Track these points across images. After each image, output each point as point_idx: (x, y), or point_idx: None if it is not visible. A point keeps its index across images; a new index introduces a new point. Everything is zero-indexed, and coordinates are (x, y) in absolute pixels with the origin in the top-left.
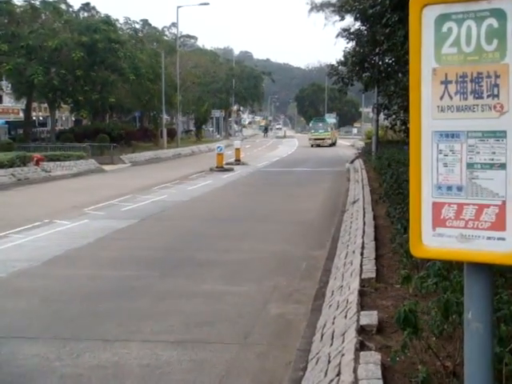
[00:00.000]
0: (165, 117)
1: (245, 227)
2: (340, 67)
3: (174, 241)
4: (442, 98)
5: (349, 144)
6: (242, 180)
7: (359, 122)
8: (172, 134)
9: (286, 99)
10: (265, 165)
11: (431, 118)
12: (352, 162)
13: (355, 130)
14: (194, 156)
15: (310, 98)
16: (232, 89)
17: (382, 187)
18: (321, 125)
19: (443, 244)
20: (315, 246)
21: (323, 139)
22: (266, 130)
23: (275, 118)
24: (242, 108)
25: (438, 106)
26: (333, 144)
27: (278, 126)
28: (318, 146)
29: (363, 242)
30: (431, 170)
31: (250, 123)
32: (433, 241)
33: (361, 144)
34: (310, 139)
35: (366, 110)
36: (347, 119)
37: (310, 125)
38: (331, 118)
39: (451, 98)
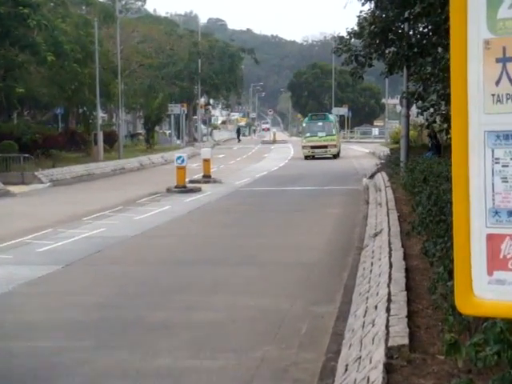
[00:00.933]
0: (100, 115)
1: (218, 274)
2: (353, 40)
3: (114, 295)
4: (498, 82)
5: (367, 151)
6: (213, 205)
7: (381, 119)
8: (112, 140)
9: (276, 88)
10: (246, 182)
11: (483, 112)
12: (372, 176)
13: (376, 131)
14: (143, 171)
15: (310, 86)
16: (197, 73)
17: (415, 212)
18: (321, 124)
19: (504, 295)
20: (320, 299)
21: (325, 147)
22: (238, 132)
23: (260, 114)
24: (212, 101)
25: (493, 95)
26: (337, 155)
27: (264, 126)
28: (316, 157)
29: (389, 293)
30: (484, 188)
31: (224, 123)
32: (489, 290)
33: (384, 151)
34: (303, 147)
35: (392, 102)
36: (364, 115)
37: (304, 124)
38: (334, 115)
39: None
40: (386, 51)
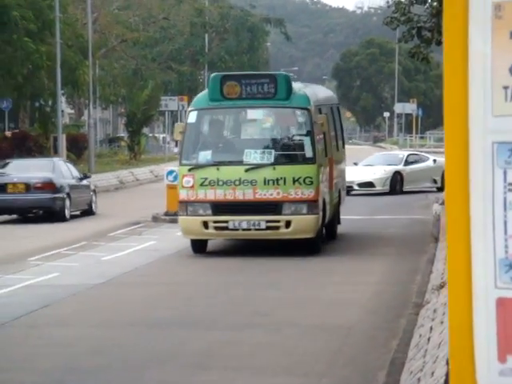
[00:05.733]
0: (66, 110)
1: (212, 340)
2: (415, 4)
3: (59, 371)
4: None
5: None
6: (215, 239)
7: None
8: (80, 147)
9: (317, 75)
10: None
11: (490, 113)
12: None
13: None
14: (123, 191)
15: (365, 73)
16: (203, 54)
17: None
18: (260, 118)
19: None
20: (355, 380)
21: (264, 210)
22: None
23: None
24: None
25: (506, 88)
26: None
27: None
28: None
29: (448, 374)
30: (492, 230)
31: None
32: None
33: None
34: (180, 204)
35: None
36: (441, 114)
37: (190, 117)
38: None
39: None
40: None
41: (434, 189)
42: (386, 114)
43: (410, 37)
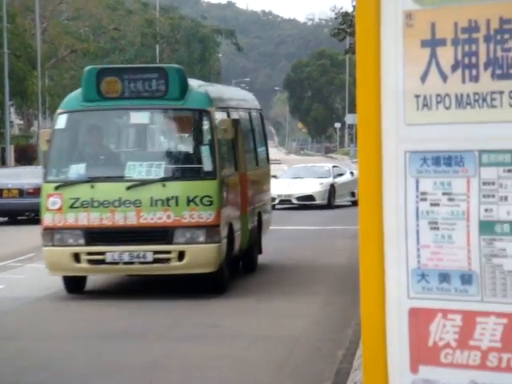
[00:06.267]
0: (15, 121)
1: (157, 351)
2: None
3: None
4: (424, 77)
5: None
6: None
7: None
8: (29, 158)
9: (269, 86)
10: None
11: (403, 122)
12: None
13: None
14: None
15: (316, 83)
16: (154, 64)
17: None
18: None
19: None
20: None
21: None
22: None
23: None
24: None
25: (418, 97)
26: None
27: None
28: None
29: None
30: (405, 239)
31: None
32: None
33: None
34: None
35: None
36: None
37: (58, 123)
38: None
39: (445, 77)
40: None
41: (350, 203)
42: (337, 125)
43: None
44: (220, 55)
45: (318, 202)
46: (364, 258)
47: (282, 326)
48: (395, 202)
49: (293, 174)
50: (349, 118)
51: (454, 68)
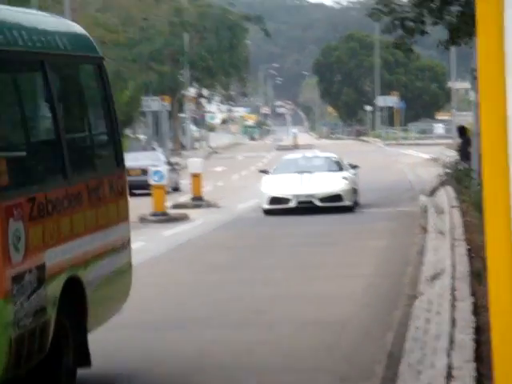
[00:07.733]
0: None
1: (205, 340)
2: None
3: None
4: None
5: (426, 157)
6: (205, 239)
7: (448, 110)
8: None
9: (297, 71)
10: (252, 206)
11: None
12: (433, 193)
13: (440, 128)
14: None
15: (345, 67)
16: (184, 53)
17: None
18: None
19: None
20: (352, 374)
21: None
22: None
23: (274, 109)
24: (206, 92)
25: None
26: None
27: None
28: None
29: (450, 366)
30: None
31: (224, 122)
32: None
33: (451, 156)
34: None
35: (462, 86)
36: (423, 106)
37: None
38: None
39: None
40: (445, 11)
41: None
42: (368, 108)
43: (393, 28)
44: (248, 42)
45: (346, 203)
46: (490, 235)
47: (328, 310)
48: None
49: (293, 167)
50: (379, 101)
51: None
